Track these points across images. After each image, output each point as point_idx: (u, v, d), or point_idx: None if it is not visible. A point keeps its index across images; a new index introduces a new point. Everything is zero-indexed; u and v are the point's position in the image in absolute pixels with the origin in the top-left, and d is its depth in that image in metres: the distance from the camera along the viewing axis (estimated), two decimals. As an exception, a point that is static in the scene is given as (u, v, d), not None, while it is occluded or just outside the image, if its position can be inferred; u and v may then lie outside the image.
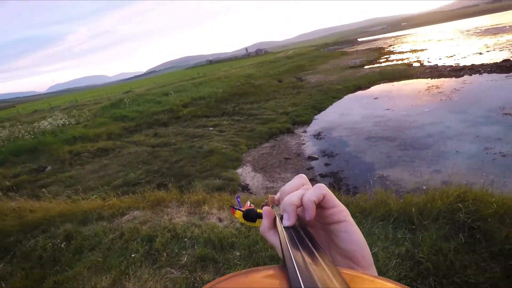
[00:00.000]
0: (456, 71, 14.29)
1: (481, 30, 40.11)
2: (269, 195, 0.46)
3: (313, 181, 6.30)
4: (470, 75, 13.13)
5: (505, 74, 11.94)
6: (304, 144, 8.71)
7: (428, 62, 19.61)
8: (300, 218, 0.37)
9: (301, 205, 0.35)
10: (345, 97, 13.91)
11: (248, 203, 0.61)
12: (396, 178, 5.66)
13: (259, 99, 15.76)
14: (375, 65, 23.01)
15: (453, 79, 13.04)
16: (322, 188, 0.35)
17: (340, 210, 0.35)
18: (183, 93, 20.07)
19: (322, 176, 6.41)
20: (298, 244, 0.30)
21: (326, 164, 6.95)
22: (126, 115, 15.43)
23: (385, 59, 26.57)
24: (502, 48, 19.44)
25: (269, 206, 0.44)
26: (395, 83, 14.76)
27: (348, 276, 0.27)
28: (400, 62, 22.57)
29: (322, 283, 0.23)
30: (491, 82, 11.31)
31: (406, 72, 16.67)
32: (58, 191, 7.16)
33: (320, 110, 12.14)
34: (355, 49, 52.37)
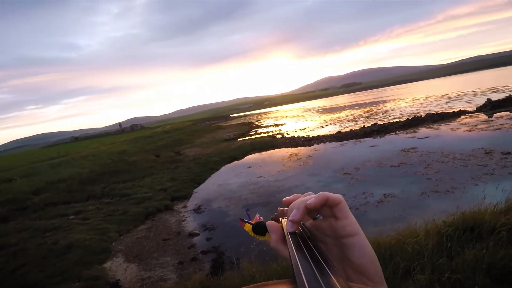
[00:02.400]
0: (308, 141, 17.55)
1: (319, 110, 52.12)
2: (279, 208, 0.46)
3: (195, 260, 5.90)
4: (318, 144, 16.32)
5: (340, 142, 15.49)
6: (184, 220, 8.32)
7: (287, 134, 23.45)
8: (310, 233, 0.37)
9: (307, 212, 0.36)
10: (222, 168, 14.60)
11: (258, 215, 0.54)
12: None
13: (134, 177, 14.63)
14: (247, 138, 25.75)
15: (307, 147, 15.87)
16: (339, 196, 0.35)
17: (353, 222, 0.35)
18: (34, 176, 16.58)
19: (205, 253, 6.12)
20: (308, 258, 0.29)
21: (208, 239, 6.76)
22: None
23: (254, 132, 30.25)
24: (335, 123, 25.56)
25: (278, 217, 0.45)
26: (264, 153, 16.70)
27: None
28: (266, 134, 26.12)
29: None
30: (332, 149, 14.33)
31: (271, 142, 19.26)
32: None
33: (199, 182, 12.19)
34: (228, 123, 57.78)
